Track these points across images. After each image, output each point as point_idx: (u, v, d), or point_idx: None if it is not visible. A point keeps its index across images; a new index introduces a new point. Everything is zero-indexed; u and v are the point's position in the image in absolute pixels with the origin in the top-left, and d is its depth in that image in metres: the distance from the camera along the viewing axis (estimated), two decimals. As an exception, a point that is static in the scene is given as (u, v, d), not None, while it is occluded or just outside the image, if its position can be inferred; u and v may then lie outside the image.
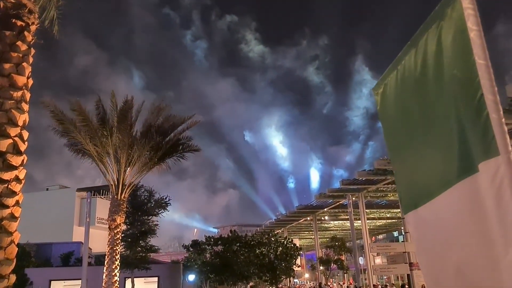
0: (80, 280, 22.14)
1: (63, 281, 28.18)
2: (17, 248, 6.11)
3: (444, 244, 3.01)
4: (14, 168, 6.17)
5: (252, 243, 28.48)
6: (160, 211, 27.33)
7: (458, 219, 2.75)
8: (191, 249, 30.63)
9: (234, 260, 27.04)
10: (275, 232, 34.96)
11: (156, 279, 29.58)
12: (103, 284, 18.10)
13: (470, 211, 2.58)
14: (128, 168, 19.09)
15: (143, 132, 19.17)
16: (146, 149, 18.67)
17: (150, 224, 26.81)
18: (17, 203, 6.19)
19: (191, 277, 29.37)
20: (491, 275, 2.44)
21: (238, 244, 28.07)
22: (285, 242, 29.58)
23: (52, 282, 27.67)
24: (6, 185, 6.04)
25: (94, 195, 44.91)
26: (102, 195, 48.34)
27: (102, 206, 44.84)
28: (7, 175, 6.06)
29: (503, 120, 2.37)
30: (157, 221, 27.59)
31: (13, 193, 6.13)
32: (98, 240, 35.21)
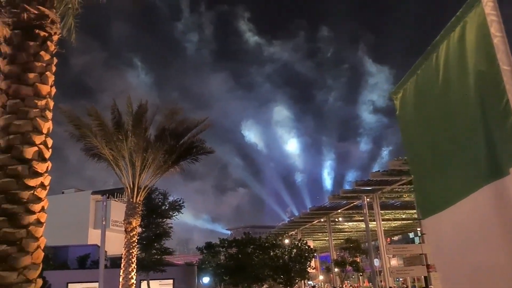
0: (97, 283, 22.46)
1: (80, 284, 28.54)
2: (43, 253, 6.26)
3: (465, 248, 3.02)
4: (40, 174, 6.32)
5: (266, 245, 28.52)
6: (174, 214, 27.56)
7: (483, 222, 2.77)
8: (205, 251, 30.79)
9: (248, 262, 27.11)
10: (289, 234, 34.93)
11: (171, 281, 29.78)
12: (119, 287, 18.31)
13: (497, 215, 2.60)
14: (143, 172, 19.32)
15: (157, 136, 19.39)
16: (161, 152, 18.88)
17: (164, 227, 27.05)
18: (42, 209, 6.34)
19: (206, 280, 29.52)
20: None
21: (252, 246, 28.14)
22: (299, 243, 29.57)
23: (69, 284, 28.06)
24: (32, 191, 6.19)
25: (108, 197, 45.36)
26: (116, 197, 48.75)
27: (117, 208, 45.23)
28: (33, 182, 6.21)
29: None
30: (171, 223, 27.85)
31: (39, 199, 6.29)
32: (113, 243, 35.55)
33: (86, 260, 32.08)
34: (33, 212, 6.17)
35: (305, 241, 30.97)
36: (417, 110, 3.82)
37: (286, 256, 28.38)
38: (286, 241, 36.05)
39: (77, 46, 8.16)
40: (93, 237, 44.98)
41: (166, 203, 27.39)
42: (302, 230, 46.05)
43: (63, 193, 53.13)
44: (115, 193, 48.08)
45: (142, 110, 18.48)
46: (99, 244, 25.92)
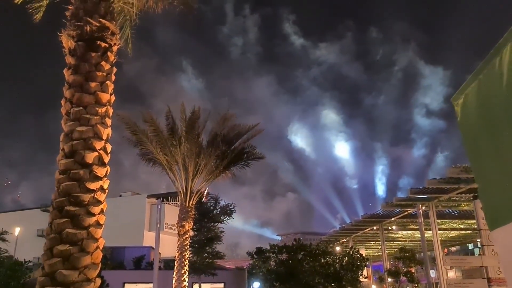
0: (151, 284, 23.19)
1: (135, 284, 29.60)
2: (102, 254, 6.58)
3: None
4: (99, 178, 6.66)
5: (317, 252, 28.13)
6: (226, 218, 27.91)
7: None
8: (255, 257, 30.87)
9: (299, 269, 26.84)
10: (341, 241, 34.24)
11: (222, 285, 30.16)
12: (172, 288, 18.79)
13: None
14: (196, 176, 19.76)
15: (209, 141, 19.79)
16: (213, 157, 19.25)
17: (216, 231, 27.46)
18: (101, 211, 6.67)
19: (256, 285, 29.57)
20: None
21: (302, 253, 27.85)
22: (351, 251, 28.89)
23: (125, 284, 29.18)
24: (92, 194, 6.54)
25: (162, 201, 46.85)
26: (170, 201, 50.27)
27: (170, 212, 46.66)
28: (93, 185, 6.56)
29: None
30: (222, 228, 28.21)
31: (98, 202, 6.62)
32: (167, 245, 36.64)
33: (141, 261, 33.25)
34: (93, 214, 6.50)
35: (356, 249, 30.21)
36: (480, 116, 3.63)
37: (338, 264, 27.82)
38: (337, 248, 35.32)
39: (126, 49, 8.44)
40: (148, 239, 46.65)
41: (217, 208, 27.82)
42: (354, 237, 44.99)
43: (120, 196, 55.56)
44: (169, 197, 49.73)
45: (195, 116, 18.93)
46: (153, 246, 26.81)
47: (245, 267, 35.85)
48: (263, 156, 20.58)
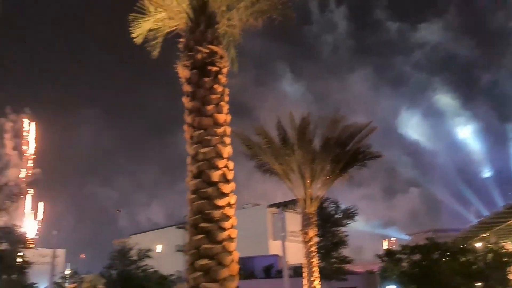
0: (283, 291, 23.64)
1: (267, 292, 30.50)
2: (238, 266, 6.91)
3: None
4: (226, 195, 7.05)
5: (454, 250, 25.94)
6: (348, 222, 27.36)
7: None
8: (386, 259, 29.60)
9: (435, 269, 25.02)
10: (480, 236, 31.10)
11: (353, 289, 29.49)
12: (304, 295, 18.88)
13: None
14: (313, 182, 19.72)
15: (322, 146, 19.61)
16: (327, 162, 19.03)
17: (340, 235, 27.05)
18: (232, 226, 7.03)
19: (390, 288, 28.31)
20: None
21: (438, 252, 25.92)
22: (496, 247, 26.03)
23: (258, 293, 30.23)
24: (221, 210, 6.93)
25: (282, 210, 47.73)
26: (290, 209, 51.03)
27: (291, 219, 47.23)
28: (221, 202, 6.95)
29: None
30: (346, 231, 27.68)
31: (228, 217, 7.00)
32: (292, 253, 37.03)
33: (271, 270, 34.16)
34: (225, 229, 6.88)
35: (501, 244, 27.14)
36: None
37: (481, 262, 25.25)
38: (477, 244, 32.13)
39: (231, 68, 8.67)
40: (273, 247, 47.75)
41: (338, 212, 27.42)
42: (496, 231, 40.44)
43: (243, 208, 58.05)
44: (288, 205, 50.50)
45: (305, 123, 18.99)
46: (279, 254, 27.37)
47: (375, 270, 34.58)
48: (380, 155, 19.80)
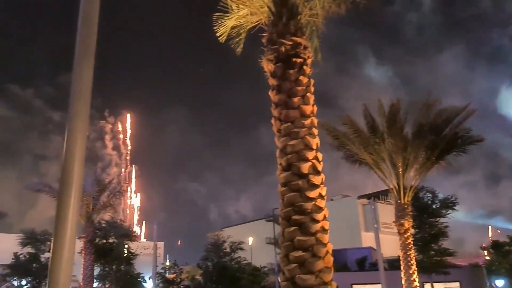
0: (378, 285, 22.89)
1: (363, 285, 29.78)
2: (332, 258, 6.81)
3: None
4: (317, 186, 6.97)
5: None
6: (448, 212, 25.59)
7: None
8: (492, 251, 27.26)
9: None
10: None
11: (457, 284, 27.58)
12: (402, 289, 18.12)
13: None
14: (406, 171, 18.78)
15: (414, 133, 18.59)
16: (421, 149, 18.01)
17: (439, 226, 25.41)
18: (324, 217, 6.94)
19: (500, 283, 25.98)
20: None
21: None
22: None
23: (353, 286, 29.65)
24: (313, 202, 6.87)
25: (373, 200, 46.23)
26: (381, 200, 49.30)
27: (384, 210, 45.61)
28: (312, 193, 6.90)
29: None
30: (446, 222, 25.90)
31: (320, 209, 6.92)
32: (387, 245, 35.71)
33: (364, 262, 33.28)
34: (318, 221, 6.82)
35: None
36: None
37: None
38: None
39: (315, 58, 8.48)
40: (366, 239, 46.52)
41: (436, 202, 25.75)
42: None
43: (332, 200, 57.33)
44: (379, 196, 48.74)
45: (395, 109, 18.15)
46: (373, 246, 26.52)
47: (481, 263, 32.00)
48: (482, 139, 18.22)
